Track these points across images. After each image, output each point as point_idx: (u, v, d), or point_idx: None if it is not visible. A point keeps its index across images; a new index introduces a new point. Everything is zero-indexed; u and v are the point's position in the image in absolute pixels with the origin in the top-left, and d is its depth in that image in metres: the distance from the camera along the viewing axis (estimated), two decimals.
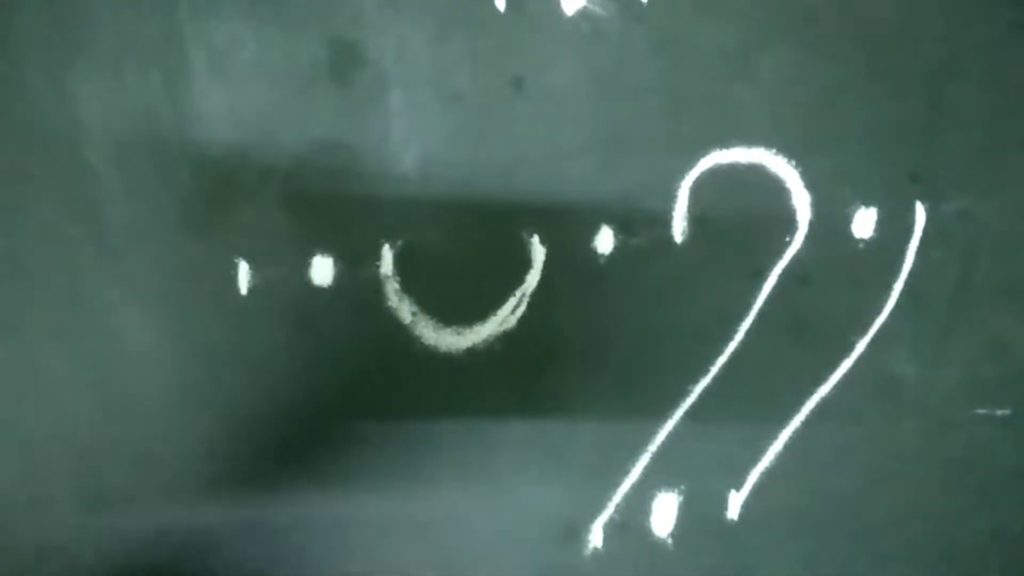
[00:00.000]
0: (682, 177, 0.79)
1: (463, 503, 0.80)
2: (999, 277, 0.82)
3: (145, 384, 0.75)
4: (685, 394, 0.80)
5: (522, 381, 0.79)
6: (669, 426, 0.81)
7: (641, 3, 0.77)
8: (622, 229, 0.78)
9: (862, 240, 0.81)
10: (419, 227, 0.76)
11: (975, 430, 0.84)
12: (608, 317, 0.79)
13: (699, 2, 0.77)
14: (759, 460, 0.82)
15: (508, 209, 0.77)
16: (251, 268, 0.74)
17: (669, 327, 0.80)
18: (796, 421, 0.82)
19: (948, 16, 0.79)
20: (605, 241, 0.78)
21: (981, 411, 0.84)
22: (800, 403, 0.82)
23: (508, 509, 0.80)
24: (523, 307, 0.78)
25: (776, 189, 0.79)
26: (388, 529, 0.80)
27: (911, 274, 0.81)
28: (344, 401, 0.77)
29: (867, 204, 0.80)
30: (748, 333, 0.80)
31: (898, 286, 0.81)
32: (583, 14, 0.76)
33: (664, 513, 0.82)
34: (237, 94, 0.73)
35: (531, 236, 0.77)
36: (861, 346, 0.82)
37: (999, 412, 0.84)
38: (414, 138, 0.75)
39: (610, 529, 0.81)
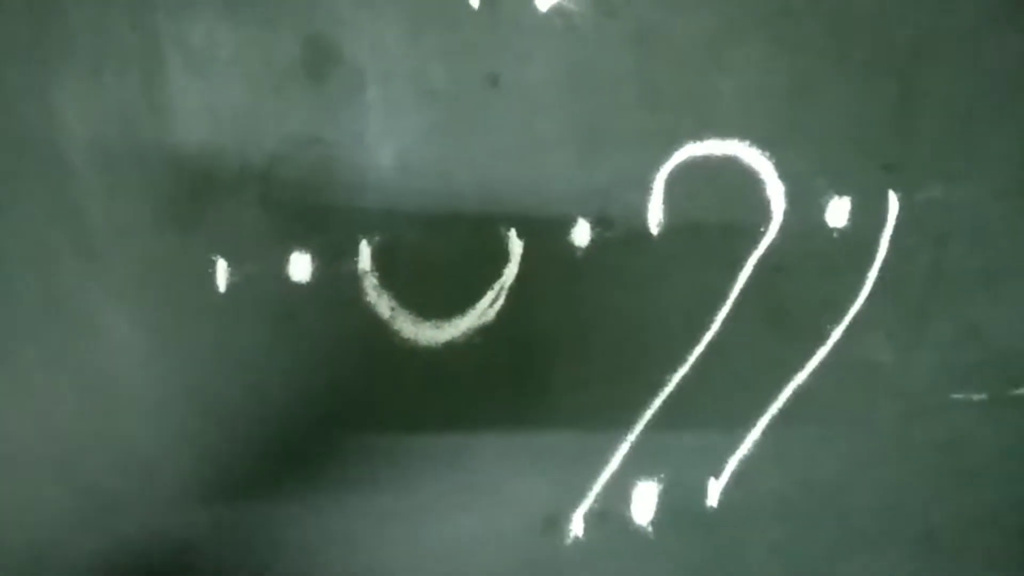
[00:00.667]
0: (657, 170, 0.79)
1: (443, 495, 0.80)
2: (973, 264, 0.83)
3: (124, 382, 0.75)
4: (663, 384, 0.81)
5: (501, 374, 0.79)
6: (648, 416, 0.81)
7: None
8: (598, 222, 0.79)
9: (836, 229, 0.81)
10: (397, 223, 0.76)
11: (952, 415, 0.85)
12: (586, 309, 0.80)
13: None
14: (737, 448, 0.83)
15: (485, 203, 0.77)
16: (229, 265, 0.75)
17: (646, 318, 0.81)
18: (773, 408, 0.82)
19: (919, 6, 0.80)
20: (582, 234, 0.79)
21: (957, 396, 0.85)
22: (777, 391, 0.82)
23: (488, 500, 0.81)
24: (501, 300, 0.78)
25: (750, 180, 0.80)
26: (368, 522, 0.80)
27: (885, 262, 0.82)
28: (324, 396, 0.77)
29: (841, 193, 0.81)
30: (725, 323, 0.81)
31: (872, 274, 0.82)
32: (557, 10, 0.77)
33: (644, 502, 0.83)
34: (214, 93, 0.73)
35: (508, 230, 0.78)
36: (837, 334, 0.82)
37: (975, 397, 0.85)
38: (391, 134, 0.75)
39: (591, 519, 0.82)
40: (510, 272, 0.78)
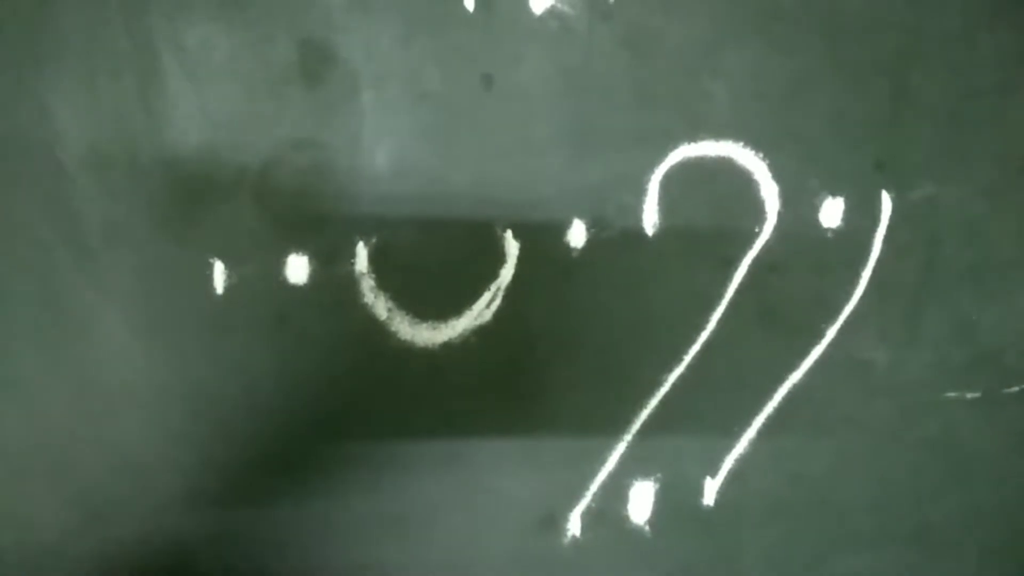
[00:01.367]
0: (652, 171, 0.79)
1: (441, 495, 0.80)
2: (965, 262, 0.83)
3: (121, 384, 0.75)
4: (659, 383, 0.81)
5: (498, 374, 0.80)
6: (644, 415, 0.81)
7: (608, 1, 0.78)
8: (594, 223, 0.79)
9: (830, 229, 0.82)
10: (393, 224, 0.76)
11: (945, 413, 0.86)
12: (582, 309, 0.80)
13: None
14: (733, 447, 0.83)
15: (481, 205, 0.77)
16: (226, 268, 0.75)
17: (642, 318, 0.81)
18: (769, 407, 0.83)
19: (909, 7, 0.81)
20: (577, 235, 0.79)
21: (951, 394, 0.85)
22: (772, 390, 0.83)
23: (486, 500, 0.81)
24: (498, 301, 0.78)
25: (745, 181, 0.81)
26: (366, 521, 0.80)
27: (879, 261, 0.82)
28: (321, 398, 0.77)
29: (834, 194, 0.82)
30: (720, 322, 0.81)
31: (866, 273, 0.82)
32: (551, 12, 0.77)
33: (641, 501, 0.83)
34: (209, 96, 0.73)
35: (504, 231, 0.78)
36: (831, 332, 0.83)
37: (968, 395, 0.86)
38: (386, 137, 0.76)
39: (588, 517, 0.82)
40: (506, 273, 0.78)
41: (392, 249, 0.77)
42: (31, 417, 0.75)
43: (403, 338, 0.78)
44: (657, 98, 0.79)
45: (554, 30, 0.77)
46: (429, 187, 0.76)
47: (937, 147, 0.82)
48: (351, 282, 0.77)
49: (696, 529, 0.83)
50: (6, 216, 0.72)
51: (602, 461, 0.82)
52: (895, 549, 0.88)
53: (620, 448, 0.82)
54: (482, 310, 0.78)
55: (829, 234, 0.82)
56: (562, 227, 0.79)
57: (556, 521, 0.82)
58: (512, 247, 0.78)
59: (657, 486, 0.83)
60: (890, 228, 0.82)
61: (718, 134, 0.80)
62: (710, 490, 0.83)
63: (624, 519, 0.83)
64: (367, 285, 0.77)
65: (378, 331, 0.77)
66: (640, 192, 0.79)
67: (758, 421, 0.83)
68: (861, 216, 0.82)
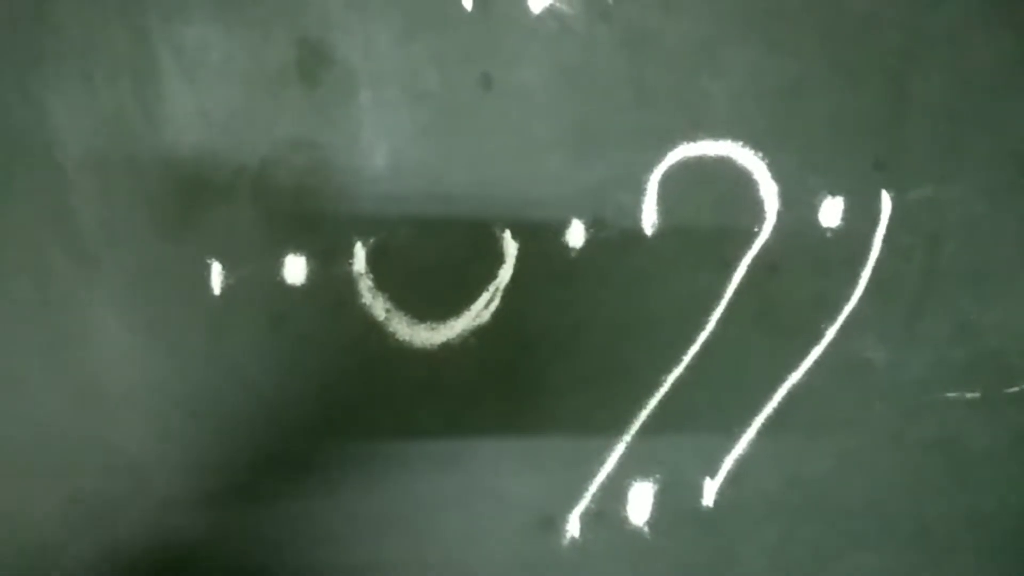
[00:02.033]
0: (651, 170, 0.79)
1: (440, 495, 0.80)
2: (965, 262, 0.83)
3: (119, 385, 0.75)
4: (658, 384, 0.81)
5: (497, 375, 0.79)
6: (643, 416, 0.81)
7: (607, 0, 0.78)
8: (593, 223, 0.79)
9: (829, 229, 0.82)
10: (391, 224, 0.76)
11: (945, 413, 0.86)
12: (581, 310, 0.80)
13: None
14: (733, 447, 0.83)
15: (479, 205, 0.77)
16: (224, 268, 0.74)
17: (641, 318, 0.81)
18: (768, 408, 0.83)
19: (909, 9, 0.81)
20: (576, 235, 0.79)
21: (950, 395, 0.85)
22: (772, 390, 0.83)
23: (485, 501, 0.81)
24: (496, 301, 0.78)
25: (744, 180, 0.81)
26: (365, 521, 0.80)
27: (878, 261, 0.82)
28: (319, 399, 0.77)
29: (834, 193, 0.81)
30: (719, 323, 0.81)
31: (866, 273, 0.82)
32: (550, 12, 0.77)
33: (640, 502, 0.83)
34: (207, 96, 0.73)
35: (503, 231, 0.78)
36: (831, 333, 0.83)
37: (968, 395, 0.85)
38: (384, 137, 0.75)
39: (587, 519, 0.82)
40: (505, 273, 0.78)
41: (390, 249, 0.76)
42: (29, 417, 0.75)
43: (401, 338, 0.77)
44: (656, 98, 0.79)
45: (553, 30, 0.77)
46: (427, 187, 0.76)
47: (937, 147, 0.82)
48: (349, 282, 0.76)
49: (695, 530, 0.83)
50: (4, 217, 0.72)
51: (601, 462, 0.82)
52: (895, 549, 0.88)
53: (619, 449, 0.81)
54: (480, 310, 0.78)
55: (828, 234, 0.82)
56: (561, 227, 0.79)
57: (555, 522, 0.82)
58: (511, 247, 0.78)
59: (656, 487, 0.83)
60: (890, 228, 0.82)
61: (717, 134, 0.80)
62: (709, 491, 0.83)
63: (623, 520, 0.83)
64: (365, 285, 0.77)
65: (376, 332, 0.77)
66: (639, 192, 0.79)
67: (757, 421, 0.83)
68: (861, 216, 0.82)
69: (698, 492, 0.83)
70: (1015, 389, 0.86)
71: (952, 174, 0.82)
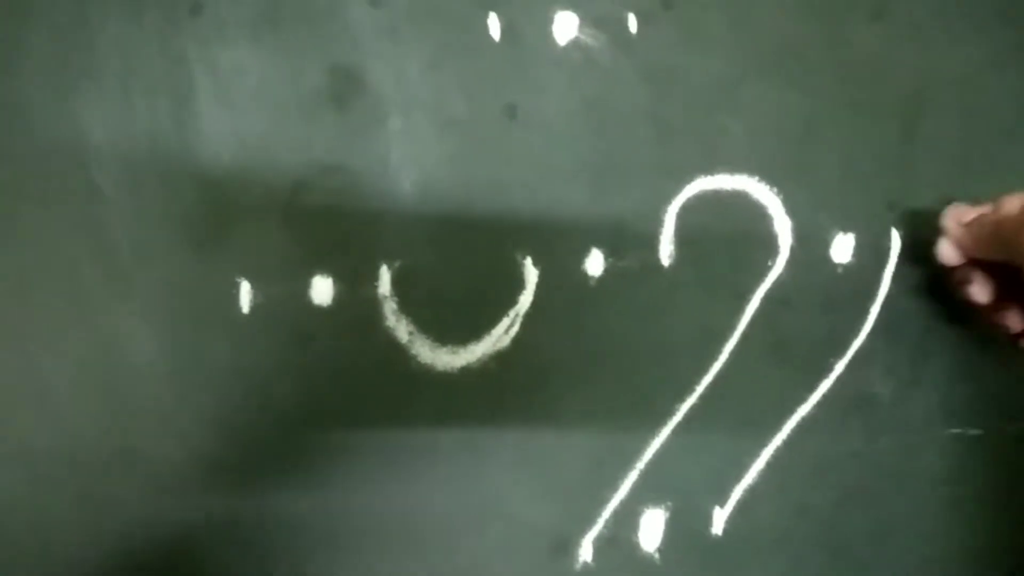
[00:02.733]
0: (669, 202, 0.81)
1: (456, 517, 0.81)
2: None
3: (148, 399, 0.75)
4: (672, 412, 0.82)
5: (515, 399, 0.80)
6: (656, 444, 0.82)
7: (630, 34, 0.79)
8: (612, 252, 0.80)
9: (840, 265, 0.83)
10: (416, 249, 0.77)
11: (948, 449, 0.87)
12: (598, 337, 0.81)
13: (686, 34, 0.80)
14: (742, 477, 0.84)
15: (502, 232, 0.79)
16: (253, 288, 0.75)
17: (656, 347, 0.82)
18: (778, 439, 0.84)
19: (922, 52, 0.83)
20: (595, 263, 0.80)
21: (954, 431, 0.87)
22: (781, 422, 0.84)
23: (500, 523, 0.81)
24: (516, 327, 0.79)
25: (759, 215, 0.82)
26: (383, 541, 0.80)
27: (887, 298, 0.84)
28: (342, 417, 0.78)
29: (845, 230, 0.83)
30: (732, 354, 0.82)
31: (875, 309, 0.84)
32: (575, 44, 0.79)
33: (652, 528, 0.83)
34: (241, 118, 0.74)
35: (524, 258, 0.79)
36: (839, 367, 0.84)
37: (971, 432, 0.87)
38: (411, 162, 0.77)
39: (599, 544, 0.83)
40: (525, 299, 0.79)
41: (414, 273, 0.78)
42: (59, 430, 0.75)
43: (423, 361, 0.78)
44: (676, 130, 0.81)
45: (577, 61, 0.79)
46: (452, 213, 0.78)
47: (946, 188, 0.83)
48: (374, 305, 0.77)
49: (705, 558, 0.84)
50: (39, 233, 0.73)
51: (615, 488, 0.82)
52: None
53: (632, 476, 0.82)
54: (501, 336, 0.79)
55: (840, 270, 0.83)
56: (581, 255, 0.80)
57: (568, 546, 0.82)
58: (532, 274, 0.79)
59: (668, 514, 0.83)
60: (898, 266, 0.84)
61: (734, 168, 0.81)
62: (719, 519, 0.84)
63: (635, 546, 0.83)
64: (390, 308, 0.77)
65: (399, 354, 0.78)
66: (657, 223, 0.81)
67: (767, 452, 0.84)
68: (871, 253, 0.83)
69: (708, 520, 0.84)
70: (1018, 426, 0.87)
71: None
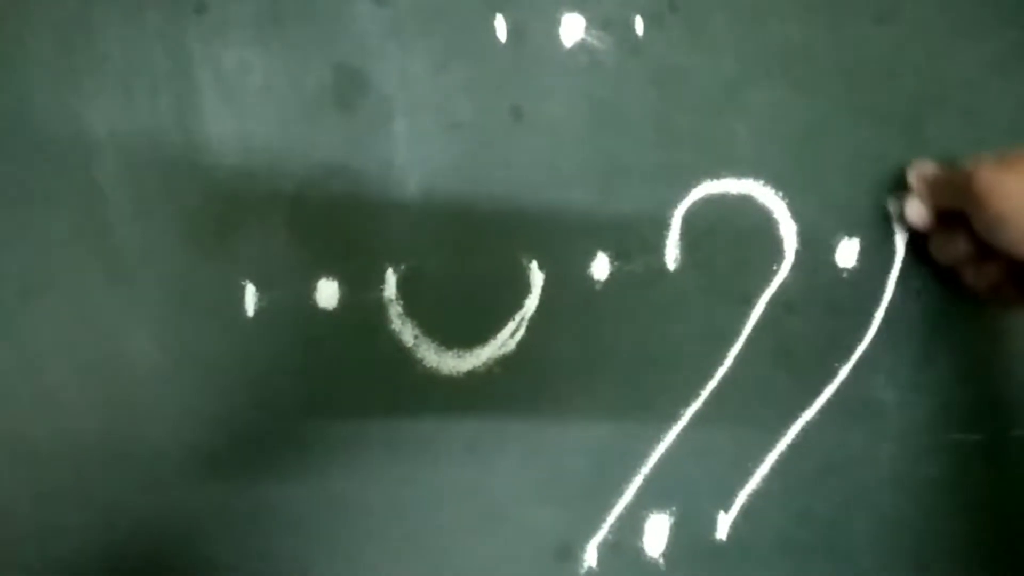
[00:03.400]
0: (675, 206, 0.81)
1: (461, 521, 0.81)
2: (974, 307, 0.85)
3: (151, 402, 0.75)
4: (676, 417, 0.82)
5: (520, 403, 0.80)
6: (661, 448, 0.82)
7: (637, 36, 0.79)
8: (617, 256, 0.80)
9: (845, 269, 0.83)
10: (421, 252, 0.77)
11: (950, 454, 0.87)
12: (603, 341, 0.81)
13: (692, 37, 0.80)
14: (747, 482, 0.84)
15: (508, 235, 0.78)
16: (258, 291, 0.75)
17: (661, 351, 0.82)
18: (782, 444, 0.83)
19: (928, 55, 0.82)
20: (601, 267, 0.80)
21: (956, 436, 0.87)
22: (786, 427, 0.84)
23: (505, 528, 0.81)
24: (522, 331, 0.79)
25: (764, 219, 0.82)
26: (387, 545, 0.80)
27: (891, 303, 0.84)
28: (347, 421, 0.78)
29: (850, 235, 0.83)
30: (737, 358, 0.82)
31: (879, 314, 0.84)
32: (581, 46, 0.78)
33: (656, 533, 0.83)
34: (245, 118, 0.74)
35: (530, 262, 0.79)
36: (844, 372, 0.84)
37: (973, 437, 0.87)
38: (417, 165, 0.76)
39: (604, 549, 0.83)
40: (531, 303, 0.79)
41: (420, 276, 0.77)
42: (62, 431, 0.75)
43: (429, 365, 0.78)
44: (682, 134, 0.80)
45: (583, 64, 0.79)
46: (458, 216, 0.77)
47: None
48: (380, 308, 0.77)
49: (709, 563, 0.84)
50: (41, 233, 0.73)
51: (619, 493, 0.82)
52: None
53: (637, 481, 0.82)
54: (506, 339, 0.79)
55: (844, 274, 0.83)
56: (586, 259, 0.80)
57: (573, 551, 0.82)
58: (537, 278, 0.79)
59: (672, 519, 0.83)
60: (903, 270, 0.83)
61: (740, 172, 0.81)
62: (723, 525, 0.84)
63: (639, 551, 0.83)
64: (395, 312, 0.77)
65: (404, 357, 0.78)
66: (663, 227, 0.81)
67: (771, 457, 0.83)
68: (876, 258, 0.83)
69: (712, 525, 0.84)
70: (1019, 432, 0.87)
71: None
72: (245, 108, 0.74)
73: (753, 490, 0.84)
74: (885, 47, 0.82)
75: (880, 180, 0.83)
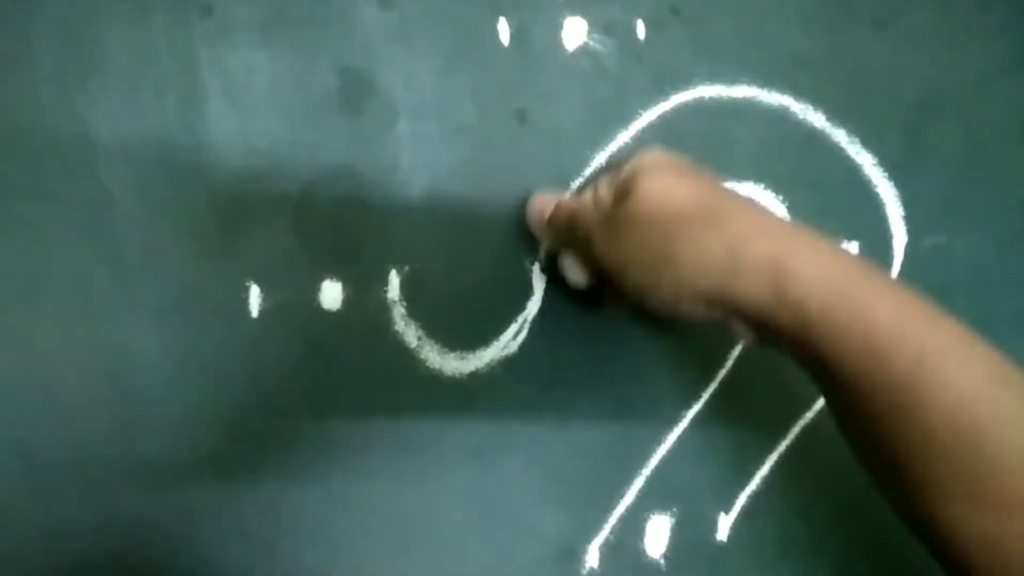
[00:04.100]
0: None
1: (463, 523, 0.81)
2: (974, 311, 0.83)
3: (155, 403, 0.75)
4: (678, 419, 0.83)
5: (522, 405, 0.81)
6: (663, 450, 0.83)
7: (639, 40, 0.79)
8: None
9: None
10: (425, 254, 0.77)
11: None
12: (606, 344, 0.81)
13: (694, 41, 0.80)
14: (748, 484, 0.84)
15: (511, 238, 0.79)
16: (262, 292, 0.75)
17: (663, 354, 0.82)
18: (782, 446, 0.84)
19: (927, 60, 0.83)
20: None
21: None
22: (786, 429, 0.84)
23: (507, 529, 0.82)
24: (524, 333, 0.79)
25: None
26: (389, 546, 0.80)
27: None
28: (350, 423, 0.78)
29: (850, 238, 0.83)
30: (737, 360, 0.83)
31: None
32: (583, 50, 0.79)
33: (657, 535, 0.84)
34: (250, 120, 0.74)
35: (533, 264, 0.79)
36: None
37: None
38: (421, 167, 0.77)
39: (606, 550, 0.83)
40: (534, 305, 0.79)
41: (423, 278, 0.77)
42: (66, 431, 0.75)
43: (432, 367, 0.78)
44: (683, 138, 0.80)
45: (586, 67, 0.79)
46: (461, 218, 0.78)
47: (950, 197, 0.84)
48: (383, 310, 0.77)
49: (710, 564, 0.84)
50: (47, 234, 0.73)
51: (621, 494, 0.83)
52: None
53: (639, 482, 0.83)
54: (509, 341, 0.79)
55: None
56: None
57: (575, 553, 0.83)
58: (540, 280, 0.79)
59: (673, 521, 0.84)
60: (902, 274, 0.84)
61: (740, 176, 0.82)
62: (724, 526, 0.84)
63: (641, 552, 0.84)
64: (398, 313, 0.77)
65: (408, 359, 0.78)
66: None
67: (771, 459, 0.84)
68: (875, 261, 0.82)
69: (713, 527, 0.84)
70: None
71: (963, 224, 0.84)
72: (250, 110, 0.74)
73: (754, 491, 0.84)
74: (885, 52, 0.83)
75: (880, 184, 0.83)
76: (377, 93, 0.76)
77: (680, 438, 0.83)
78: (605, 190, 0.66)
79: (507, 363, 0.80)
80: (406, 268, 0.77)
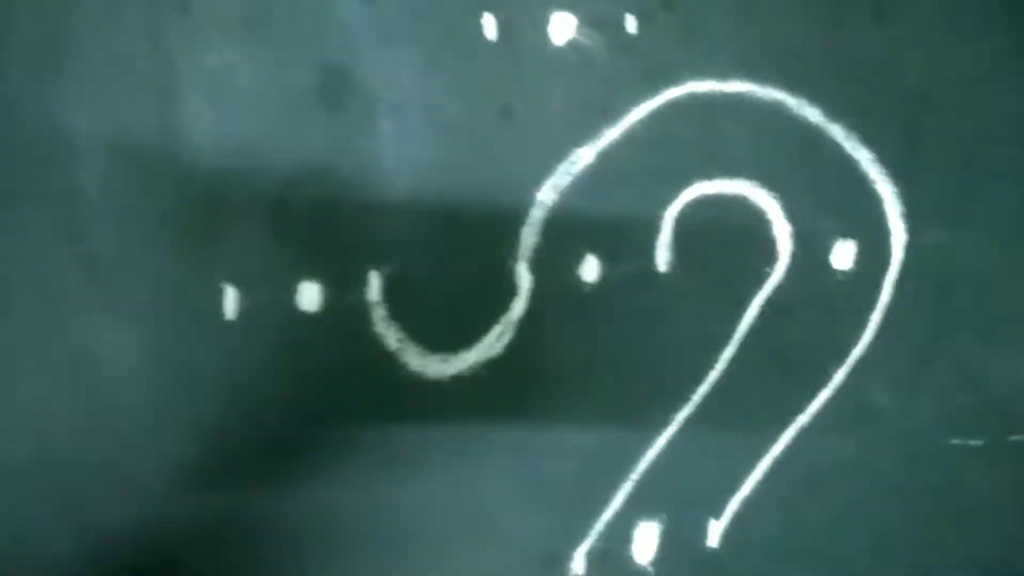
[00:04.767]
0: (666, 207, 0.79)
1: (447, 528, 0.80)
2: (973, 310, 0.84)
3: (130, 407, 0.74)
4: (667, 422, 0.81)
5: (507, 408, 0.79)
6: (651, 455, 0.81)
7: (629, 35, 0.78)
8: (607, 258, 0.79)
9: (841, 271, 0.82)
10: (407, 254, 0.76)
11: (949, 460, 0.86)
12: (593, 345, 0.80)
13: (686, 35, 0.78)
14: (739, 489, 0.83)
15: (495, 237, 0.77)
16: (238, 293, 0.74)
17: (652, 356, 0.81)
18: (775, 450, 0.83)
19: (925, 53, 0.81)
20: (590, 269, 0.79)
21: (955, 441, 0.85)
22: (779, 432, 0.83)
23: (491, 535, 0.81)
24: (509, 334, 0.78)
25: (758, 220, 0.81)
26: (371, 552, 0.80)
27: (888, 306, 0.82)
28: (330, 427, 0.77)
29: (846, 236, 0.82)
30: (729, 362, 0.81)
31: (876, 317, 0.82)
32: (572, 45, 0.77)
33: (645, 541, 0.83)
34: (228, 118, 0.73)
35: (518, 264, 0.78)
36: (839, 376, 0.83)
37: (972, 443, 0.86)
38: (403, 165, 0.75)
39: (592, 557, 0.82)
40: (518, 306, 0.78)
41: (405, 279, 0.76)
42: (40, 436, 0.74)
43: (413, 369, 0.77)
44: (674, 134, 0.79)
45: (574, 62, 0.77)
46: (444, 217, 0.76)
47: (950, 194, 0.82)
48: (363, 311, 0.76)
49: (700, 571, 0.83)
50: (18, 233, 0.72)
51: (608, 500, 0.82)
52: None
53: (626, 487, 0.81)
54: (493, 343, 0.78)
55: (840, 276, 0.82)
56: (576, 261, 0.79)
57: (561, 559, 0.82)
58: (525, 280, 0.78)
59: (662, 527, 0.83)
60: (901, 273, 0.82)
61: (733, 172, 0.80)
62: (714, 532, 0.83)
63: (628, 559, 0.83)
64: (379, 315, 0.76)
65: (388, 362, 0.77)
66: (654, 228, 0.79)
67: (764, 463, 0.83)
68: (872, 260, 0.82)
69: (703, 533, 0.83)
70: (1019, 437, 0.86)
71: (964, 221, 0.83)
72: (228, 108, 0.73)
73: (745, 497, 0.83)
74: (882, 45, 0.81)
75: (877, 180, 0.82)
76: (358, 89, 0.74)
77: (669, 442, 0.81)
78: None
79: (491, 365, 0.78)
80: (387, 268, 0.76)
